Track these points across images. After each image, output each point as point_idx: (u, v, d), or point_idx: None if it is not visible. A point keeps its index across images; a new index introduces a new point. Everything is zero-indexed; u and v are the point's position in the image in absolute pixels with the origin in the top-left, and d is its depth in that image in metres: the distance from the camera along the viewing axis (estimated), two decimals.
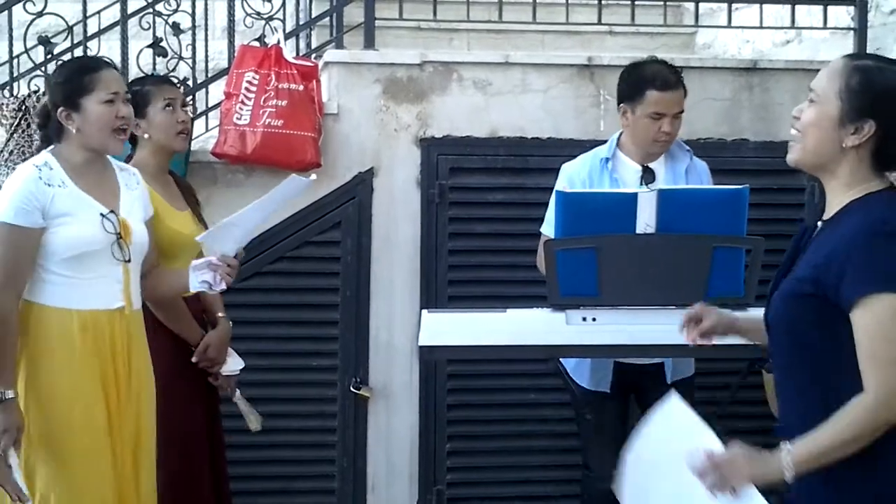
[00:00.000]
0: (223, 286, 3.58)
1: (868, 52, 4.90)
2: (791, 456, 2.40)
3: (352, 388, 4.87)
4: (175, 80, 4.47)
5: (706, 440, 2.51)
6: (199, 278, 3.55)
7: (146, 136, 3.98)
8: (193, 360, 3.93)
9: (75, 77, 3.46)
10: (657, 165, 4.09)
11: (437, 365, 4.85)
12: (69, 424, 3.35)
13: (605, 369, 4.08)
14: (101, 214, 3.40)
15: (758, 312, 2.76)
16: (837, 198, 2.49)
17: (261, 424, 4.19)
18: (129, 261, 3.45)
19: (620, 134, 4.15)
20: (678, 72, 4.07)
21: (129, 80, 4.32)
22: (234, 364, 4.08)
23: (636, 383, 4.12)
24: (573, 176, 4.13)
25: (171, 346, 3.86)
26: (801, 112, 2.51)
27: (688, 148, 4.19)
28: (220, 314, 4.07)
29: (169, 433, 3.64)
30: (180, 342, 3.92)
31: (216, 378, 4.03)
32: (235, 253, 3.59)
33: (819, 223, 2.54)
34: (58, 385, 3.35)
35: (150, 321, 3.70)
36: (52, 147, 3.48)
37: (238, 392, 4.14)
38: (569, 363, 4.17)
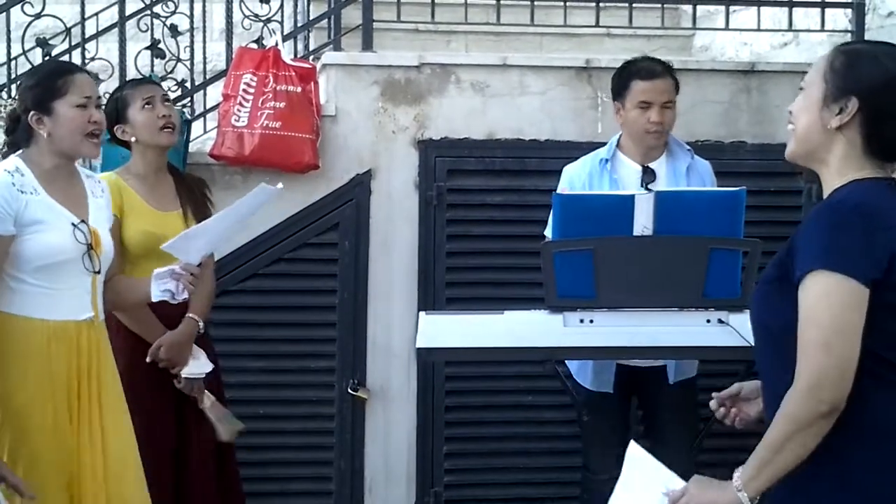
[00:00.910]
0: (185, 295, 3.52)
1: None
2: (740, 476, 2.32)
3: (349, 390, 4.87)
4: (174, 81, 4.47)
5: (668, 481, 2.47)
6: (161, 287, 3.48)
7: (133, 139, 3.99)
8: (147, 359, 3.85)
9: (48, 80, 3.39)
10: (657, 165, 4.12)
11: (434, 367, 4.85)
12: (35, 432, 3.28)
13: (607, 370, 4.09)
14: (73, 224, 3.35)
15: None
16: (829, 185, 2.41)
17: (233, 436, 4.04)
18: (98, 272, 3.40)
19: (620, 136, 4.19)
20: (666, 64, 4.16)
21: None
22: (196, 367, 3.93)
23: (639, 384, 4.13)
24: (574, 177, 4.17)
25: (132, 346, 3.83)
26: (794, 104, 2.46)
27: (688, 147, 4.22)
28: (189, 314, 3.96)
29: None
30: (143, 343, 3.88)
31: (178, 381, 3.93)
32: (199, 261, 3.53)
33: None
34: (24, 396, 3.27)
35: (112, 322, 3.67)
36: (20, 152, 3.40)
37: (208, 399, 3.98)
38: (572, 365, 4.19)
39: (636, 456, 2.64)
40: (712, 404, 2.75)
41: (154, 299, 3.53)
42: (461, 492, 4.97)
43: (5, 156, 3.52)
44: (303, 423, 4.92)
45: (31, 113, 3.36)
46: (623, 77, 4.13)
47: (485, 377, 4.92)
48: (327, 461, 4.93)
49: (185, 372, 3.92)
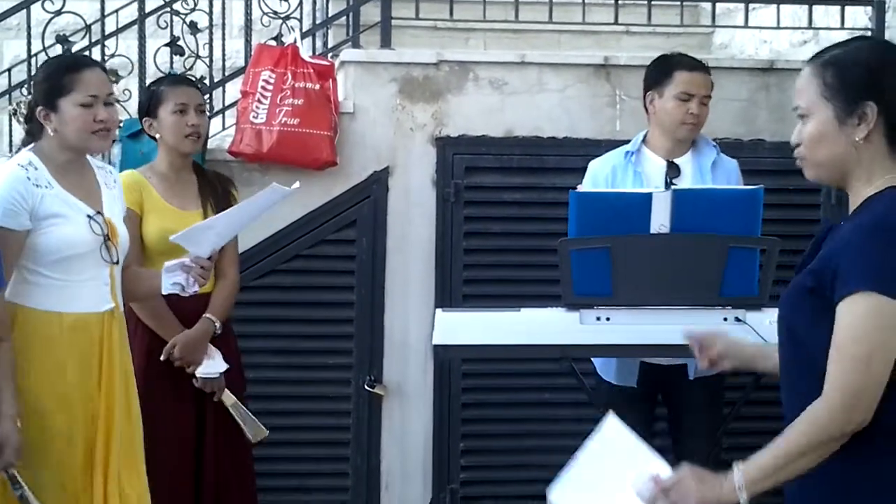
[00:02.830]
0: (196, 288, 3.52)
1: None
2: (743, 475, 2.26)
3: (366, 387, 4.87)
4: (192, 79, 4.47)
5: (651, 464, 2.38)
6: (171, 280, 3.49)
7: (157, 135, 4.03)
8: (162, 357, 3.87)
9: (55, 76, 3.37)
10: (683, 161, 4.11)
11: (451, 364, 4.85)
12: (53, 428, 3.29)
13: (631, 364, 4.09)
14: (88, 216, 3.35)
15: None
16: (859, 194, 2.35)
17: (259, 437, 4.06)
18: (116, 262, 3.40)
19: (646, 133, 4.18)
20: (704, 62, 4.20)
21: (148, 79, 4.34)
22: (211, 366, 3.94)
23: (662, 381, 4.11)
24: (597, 172, 4.16)
25: (150, 342, 3.86)
26: (799, 135, 2.37)
27: (714, 143, 4.21)
28: (206, 314, 3.98)
29: (147, 431, 3.57)
30: (160, 341, 3.90)
31: (196, 379, 3.95)
32: (210, 255, 3.54)
33: (843, 222, 2.41)
34: (43, 390, 3.28)
35: (131, 319, 3.69)
36: (32, 145, 3.40)
37: (232, 398, 4.01)
38: (596, 360, 4.19)
39: (614, 428, 2.55)
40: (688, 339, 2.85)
41: (164, 292, 3.54)
42: (477, 488, 4.97)
43: (23, 144, 3.53)
44: (320, 419, 4.93)
45: (40, 108, 3.36)
46: (664, 67, 4.12)
47: (501, 374, 4.92)
48: (344, 457, 4.94)
49: (199, 371, 3.94)
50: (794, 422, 2.25)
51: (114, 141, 4.29)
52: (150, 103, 4.04)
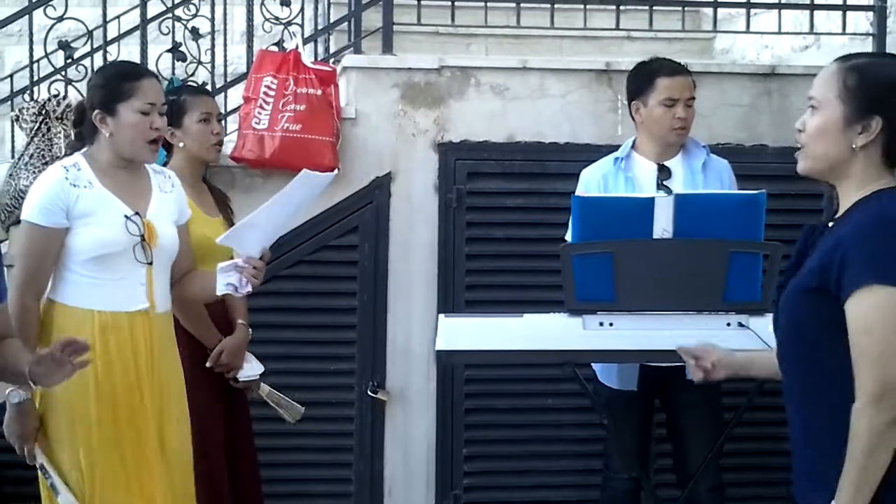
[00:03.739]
0: (249, 288, 3.56)
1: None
2: None
3: (369, 392, 4.87)
4: (195, 83, 4.49)
5: None
6: (225, 281, 3.53)
7: (181, 144, 4.08)
8: (208, 364, 3.96)
9: (115, 82, 3.45)
10: (673, 163, 4.15)
11: (454, 369, 4.85)
12: (85, 421, 3.35)
13: (631, 368, 4.09)
14: (126, 216, 3.40)
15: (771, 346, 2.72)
16: (848, 198, 2.45)
17: (297, 417, 4.29)
18: (150, 263, 3.43)
19: (636, 138, 4.20)
20: (682, 65, 4.22)
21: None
22: (251, 370, 4.10)
23: (661, 383, 4.12)
24: (589, 180, 4.20)
25: (189, 349, 3.87)
26: (804, 123, 2.48)
27: (704, 144, 4.24)
28: (239, 320, 4.09)
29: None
30: (198, 346, 3.95)
31: (235, 381, 4.08)
32: (261, 254, 3.56)
33: (830, 223, 2.50)
34: (75, 387, 3.29)
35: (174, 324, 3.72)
36: (85, 150, 3.48)
37: (267, 388, 4.21)
38: (596, 365, 4.20)
39: None
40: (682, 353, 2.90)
41: (218, 293, 3.58)
42: (481, 494, 4.96)
43: (70, 147, 3.62)
44: (322, 424, 4.92)
45: (96, 111, 3.42)
46: (644, 75, 4.16)
47: (504, 380, 4.91)
48: (347, 463, 4.93)
49: (242, 375, 4.07)
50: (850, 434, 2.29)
51: None
52: (172, 112, 4.04)
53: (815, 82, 2.48)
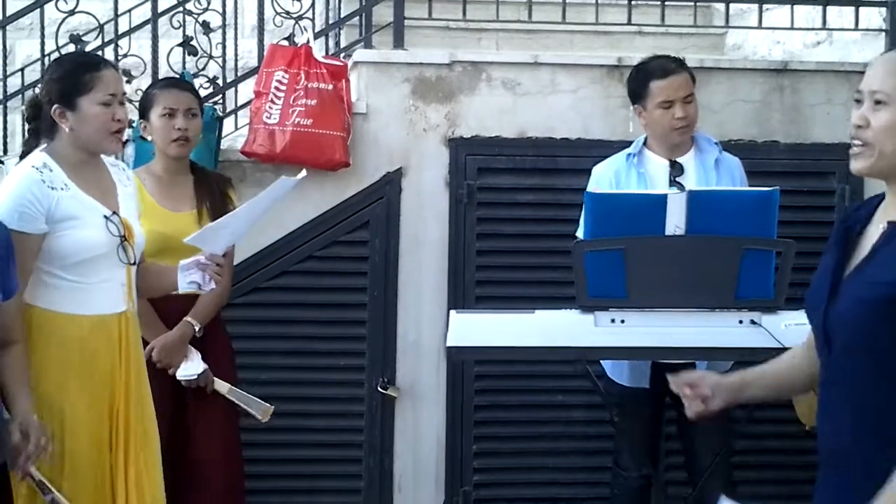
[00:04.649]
0: (212, 286, 3.51)
1: None
2: None
3: (379, 388, 4.87)
4: (187, 82, 4.44)
5: None
6: (188, 279, 3.48)
7: (149, 137, 4.07)
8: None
9: (74, 74, 3.33)
10: (685, 160, 4.13)
11: (464, 365, 4.84)
12: (73, 430, 3.29)
13: (643, 365, 4.08)
14: (105, 217, 3.32)
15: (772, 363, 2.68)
16: None
17: (267, 415, 4.10)
18: (133, 263, 3.39)
19: (646, 137, 4.20)
20: (678, 59, 4.19)
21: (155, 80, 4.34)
22: (189, 368, 3.98)
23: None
24: (601, 176, 4.18)
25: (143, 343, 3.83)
26: (864, 119, 2.33)
27: (716, 141, 4.23)
28: (187, 318, 4.00)
29: None
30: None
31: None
32: (224, 252, 3.53)
33: (882, 225, 2.35)
34: (63, 393, 3.28)
35: None
36: (45, 146, 3.37)
37: (227, 387, 4.06)
38: (606, 362, 4.18)
39: None
40: (673, 386, 2.75)
41: (181, 290, 3.54)
42: (490, 491, 4.96)
43: (26, 144, 3.50)
44: (332, 420, 4.92)
45: (55, 106, 3.32)
46: (639, 80, 4.15)
47: (514, 376, 4.91)
48: (356, 459, 4.93)
49: (178, 374, 3.98)
50: None
51: (127, 141, 4.30)
52: (143, 106, 4.07)
53: (874, 76, 2.34)
